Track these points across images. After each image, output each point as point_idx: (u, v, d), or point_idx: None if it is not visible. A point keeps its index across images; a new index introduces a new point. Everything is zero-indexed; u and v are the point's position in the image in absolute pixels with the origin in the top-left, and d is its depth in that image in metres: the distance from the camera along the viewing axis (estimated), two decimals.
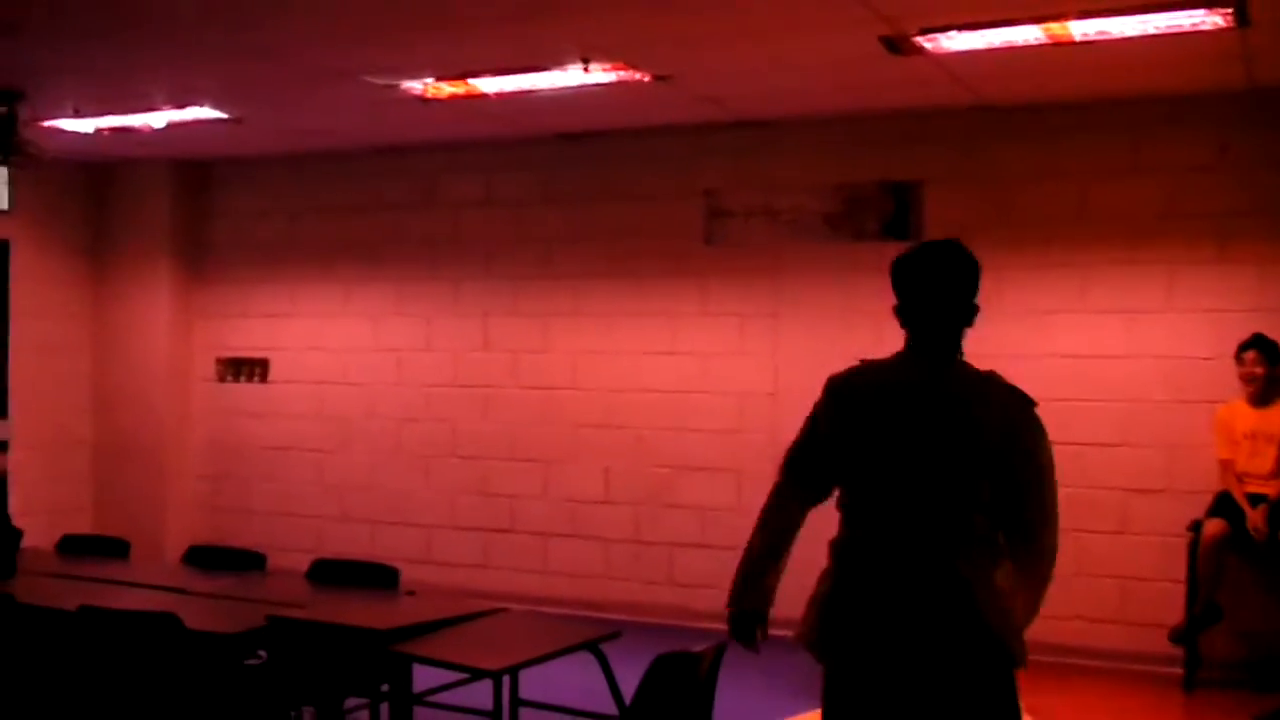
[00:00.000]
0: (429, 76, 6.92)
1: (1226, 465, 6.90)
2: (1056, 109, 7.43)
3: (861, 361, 3.40)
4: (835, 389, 3.40)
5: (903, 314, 3.32)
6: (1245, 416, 6.90)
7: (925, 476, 3.20)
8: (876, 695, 3.19)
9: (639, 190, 8.62)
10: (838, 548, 3.37)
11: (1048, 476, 3.26)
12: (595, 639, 4.52)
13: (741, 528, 8.50)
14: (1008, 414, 3.24)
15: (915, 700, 3.15)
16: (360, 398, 9.58)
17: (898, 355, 3.34)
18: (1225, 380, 7.00)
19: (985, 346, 7.86)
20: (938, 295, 3.30)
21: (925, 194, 7.83)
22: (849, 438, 3.31)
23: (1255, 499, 6.75)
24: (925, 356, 3.29)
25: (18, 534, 5.73)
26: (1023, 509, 3.23)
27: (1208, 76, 6.79)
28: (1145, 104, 7.26)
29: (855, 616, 3.22)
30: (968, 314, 3.34)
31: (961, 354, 3.33)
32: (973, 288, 3.38)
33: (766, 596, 3.55)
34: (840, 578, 3.30)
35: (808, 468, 3.43)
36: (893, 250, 8.20)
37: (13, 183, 9.63)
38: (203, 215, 10.21)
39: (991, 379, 3.31)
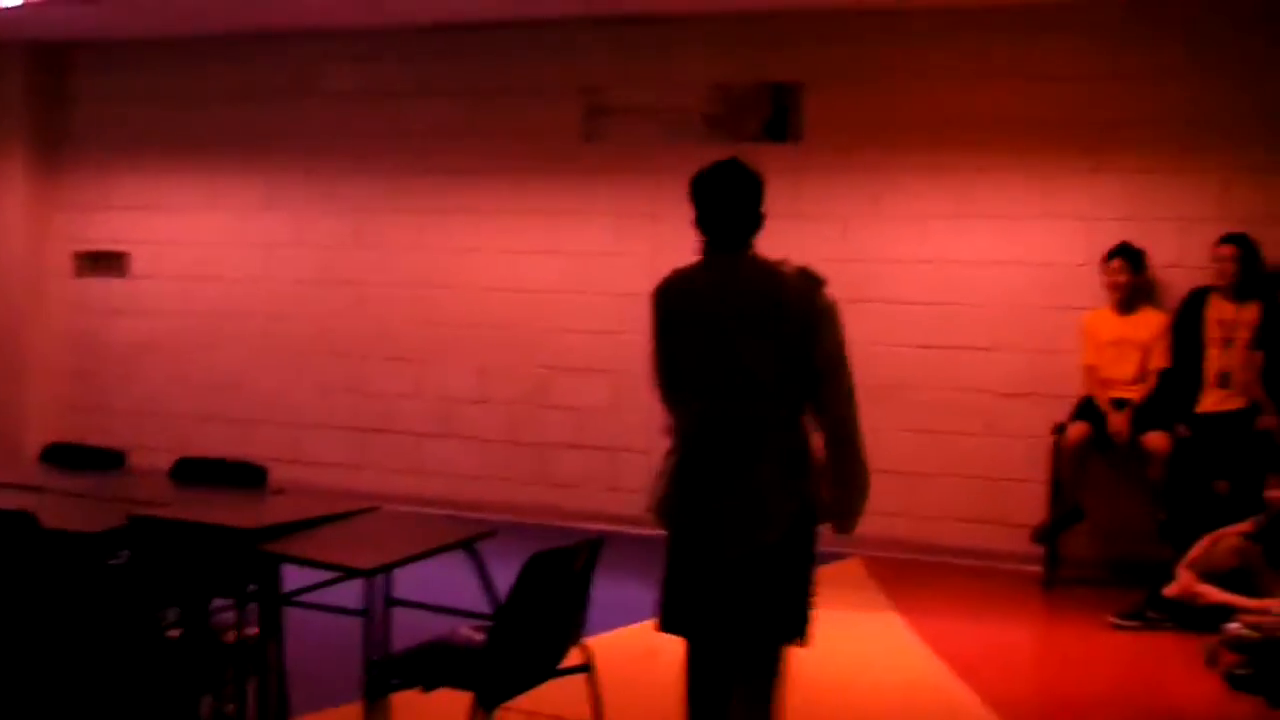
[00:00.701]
0: None
1: (1091, 370, 7.06)
2: (941, 12, 7.42)
3: (674, 270, 3.81)
4: (656, 297, 3.82)
5: (700, 224, 3.77)
6: (1111, 323, 7.05)
7: (732, 366, 3.63)
8: (699, 559, 3.69)
9: (518, 85, 8.43)
10: (675, 427, 3.78)
11: (841, 348, 3.65)
12: (469, 538, 4.46)
13: (617, 428, 8.58)
14: (802, 295, 3.63)
15: (727, 566, 3.65)
16: (227, 294, 9.31)
17: (699, 260, 3.78)
18: (1094, 287, 7.14)
19: (862, 249, 7.95)
20: (726, 206, 3.75)
21: (805, 96, 7.79)
22: (670, 337, 3.76)
23: (1118, 403, 6.92)
24: (721, 258, 3.73)
25: None
26: (827, 381, 3.63)
27: None
28: (1032, 10, 7.27)
29: (683, 490, 3.70)
30: (754, 221, 3.75)
31: (753, 251, 3.74)
32: (757, 198, 3.77)
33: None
34: (676, 456, 3.73)
35: (657, 359, 3.81)
36: (773, 151, 8.24)
37: None
38: (61, 101, 9.75)
39: (782, 267, 3.69)
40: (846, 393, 3.65)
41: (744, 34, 7.85)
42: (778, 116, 7.85)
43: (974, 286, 7.49)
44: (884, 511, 7.69)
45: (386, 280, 8.84)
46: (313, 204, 9.01)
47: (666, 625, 3.82)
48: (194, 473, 5.40)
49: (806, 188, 7.74)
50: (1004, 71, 7.40)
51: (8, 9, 7.94)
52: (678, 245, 8.11)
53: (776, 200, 7.54)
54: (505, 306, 8.52)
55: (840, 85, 7.72)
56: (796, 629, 3.69)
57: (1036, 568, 7.16)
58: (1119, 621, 6.34)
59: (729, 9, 7.66)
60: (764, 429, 3.63)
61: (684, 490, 3.70)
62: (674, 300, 3.77)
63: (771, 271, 3.68)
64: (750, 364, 3.62)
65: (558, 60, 8.31)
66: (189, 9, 8.21)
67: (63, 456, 5.72)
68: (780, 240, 6.98)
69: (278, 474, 6.14)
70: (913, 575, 7.25)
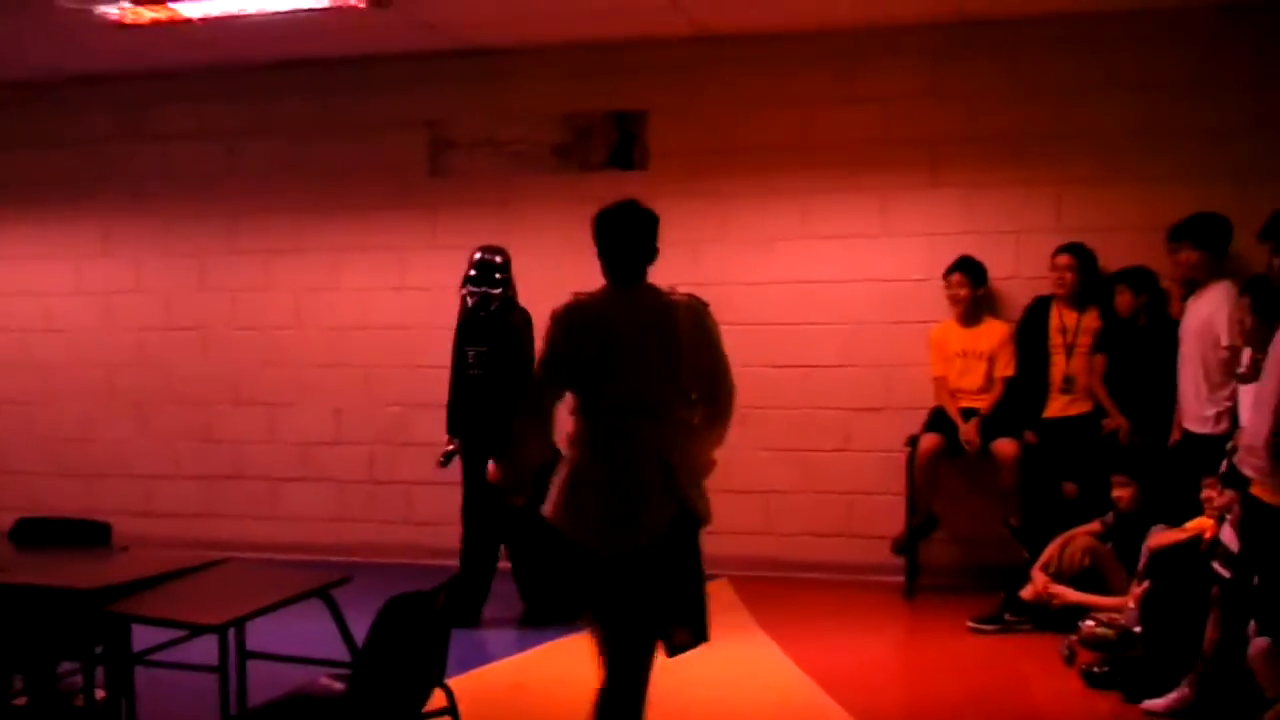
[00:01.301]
0: (126, 0, 6.49)
1: (940, 382, 7.21)
2: (775, 39, 7.54)
3: (574, 295, 4.19)
4: (560, 317, 4.16)
5: (603, 258, 4.19)
6: (956, 335, 7.22)
7: (637, 378, 4.05)
8: (599, 558, 3.99)
9: (360, 121, 8.33)
10: (574, 438, 4.12)
11: (724, 356, 4.17)
12: (324, 585, 4.36)
13: None
14: (691, 317, 4.13)
15: (628, 558, 3.96)
16: (66, 345, 9.00)
17: (602, 289, 4.19)
18: (939, 301, 7.30)
19: (713, 273, 8.02)
20: (625, 243, 4.19)
21: (650, 124, 7.85)
22: (577, 353, 4.10)
23: (967, 413, 7.08)
24: (622, 287, 4.17)
25: None
26: (713, 382, 4.14)
27: (922, 7, 6.99)
28: (861, 34, 7.43)
29: (586, 492, 4.02)
30: (650, 255, 4.23)
31: (647, 280, 4.21)
32: (652, 235, 4.25)
33: (524, 470, 4.42)
34: (577, 462, 4.07)
35: (553, 375, 4.16)
36: (620, 179, 8.28)
37: None
38: None
39: (673, 294, 4.19)
40: (729, 390, 4.16)
41: (588, 63, 7.88)
42: (624, 145, 7.89)
43: (822, 305, 7.61)
44: (747, 531, 7.82)
45: (232, 323, 8.64)
46: (150, 248, 8.77)
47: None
48: (35, 533, 5.21)
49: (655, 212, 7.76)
50: (838, 94, 7.54)
51: None
52: (531, 275, 8.15)
53: None
54: (357, 345, 8.39)
55: (683, 112, 7.79)
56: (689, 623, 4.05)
57: (897, 578, 7.29)
58: (978, 626, 6.46)
59: (571, 39, 7.68)
60: (654, 439, 4.02)
61: (579, 495, 4.03)
62: (578, 323, 4.12)
63: (665, 299, 4.15)
64: (645, 382, 4.05)
65: (401, 95, 8.23)
66: (10, 56, 7.94)
67: None
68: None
69: (128, 527, 5.96)
70: (778, 593, 7.31)
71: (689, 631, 4.03)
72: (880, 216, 7.54)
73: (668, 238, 7.64)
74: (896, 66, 7.47)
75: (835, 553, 7.61)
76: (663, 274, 7.40)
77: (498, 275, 6.70)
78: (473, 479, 6.72)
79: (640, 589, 3.94)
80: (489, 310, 6.67)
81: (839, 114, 7.56)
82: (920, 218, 7.48)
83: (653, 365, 4.04)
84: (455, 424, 6.81)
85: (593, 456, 4.03)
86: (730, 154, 7.70)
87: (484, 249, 6.77)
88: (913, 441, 7.18)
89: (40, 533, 5.18)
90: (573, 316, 4.13)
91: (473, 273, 6.72)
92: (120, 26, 6.95)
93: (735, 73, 7.70)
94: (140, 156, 8.77)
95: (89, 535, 5.10)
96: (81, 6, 6.54)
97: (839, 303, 7.59)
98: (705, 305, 4.22)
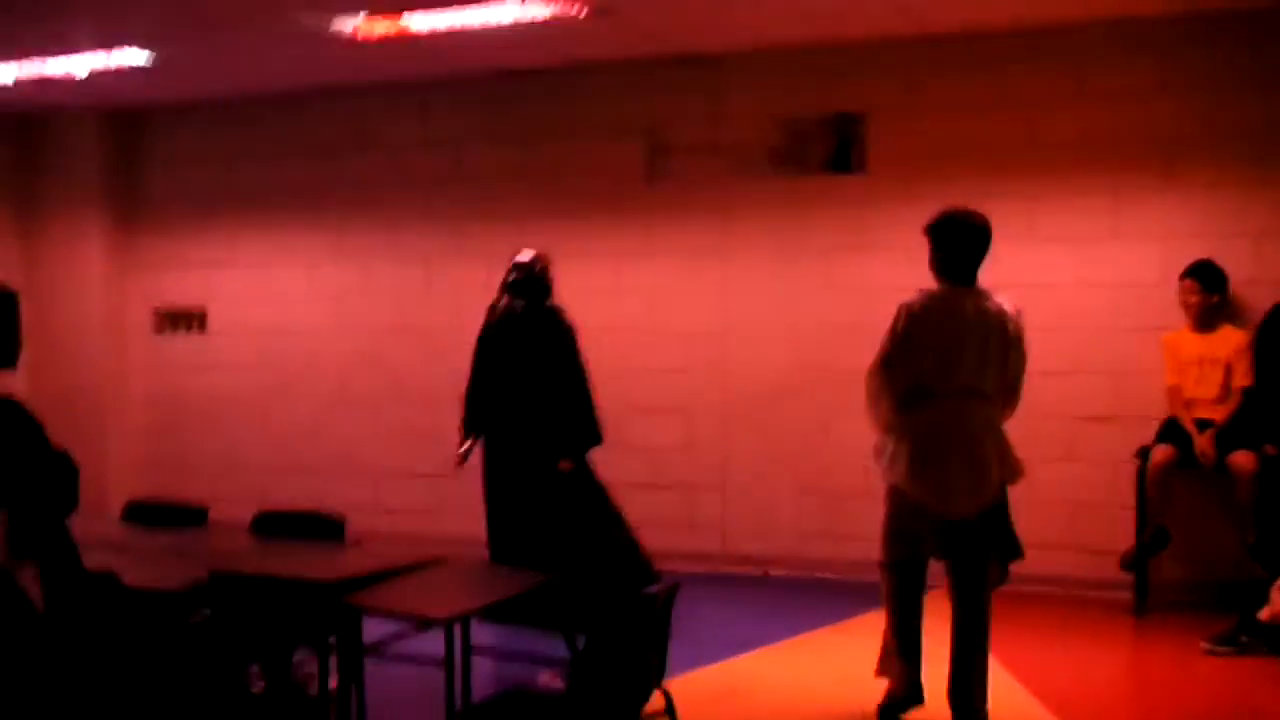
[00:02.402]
0: (359, 14, 6.74)
1: (1174, 391, 6.92)
2: (1000, 38, 7.36)
3: (921, 292, 4.92)
4: (916, 311, 4.86)
5: (942, 259, 4.90)
6: (1191, 343, 6.92)
7: (977, 366, 4.84)
8: (929, 515, 4.93)
9: (580, 128, 8.47)
10: (913, 418, 4.88)
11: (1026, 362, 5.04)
12: (545, 584, 4.45)
13: (690, 467, 8.53)
14: (1017, 321, 4.96)
15: (955, 520, 4.91)
16: (301, 346, 9.42)
17: (943, 288, 4.93)
18: (1174, 306, 7.00)
19: (931, 279, 7.85)
20: (967, 247, 4.91)
21: (869, 126, 7.75)
22: (929, 341, 4.83)
23: (1202, 424, 6.77)
24: (957, 289, 4.91)
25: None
26: (1015, 382, 4.99)
27: (1151, 1, 6.73)
28: (1089, 30, 7.19)
29: (935, 464, 4.86)
30: (981, 260, 4.98)
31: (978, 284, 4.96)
32: (988, 241, 5.00)
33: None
34: (922, 438, 4.86)
35: (903, 359, 4.85)
36: (838, 183, 8.21)
37: None
38: (135, 164, 9.96)
39: (995, 298, 4.96)
40: (1020, 392, 5.03)
41: (805, 66, 7.84)
42: (842, 148, 7.82)
43: (1049, 310, 7.37)
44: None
45: (456, 325, 8.87)
46: (380, 252, 9.11)
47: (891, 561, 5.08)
48: (274, 526, 5.44)
49: (872, 218, 7.70)
50: (1066, 93, 7.32)
51: (81, 79, 8.13)
52: (747, 280, 8.14)
53: (844, 231, 7.58)
54: None
55: (903, 114, 7.67)
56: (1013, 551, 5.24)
57: (1125, 594, 7.02)
58: (1212, 647, 6.18)
59: (787, 43, 7.65)
60: (987, 418, 4.88)
61: (920, 464, 4.84)
62: (931, 316, 4.86)
63: (995, 302, 4.90)
64: (983, 370, 4.85)
65: (619, 102, 8.34)
66: (251, 70, 8.36)
67: (144, 514, 5.80)
68: (849, 269, 6.95)
69: (357, 523, 6.17)
70: (999, 604, 7.10)
71: (1010, 560, 5.20)
72: (1111, 218, 7.28)
73: (885, 241, 7.63)
74: (1127, 62, 7.20)
75: (1059, 566, 7.36)
76: (882, 276, 7.35)
77: (532, 282, 6.77)
78: (495, 476, 6.78)
79: (982, 539, 4.91)
80: (520, 314, 6.75)
81: (1066, 112, 7.34)
82: (1154, 219, 7.20)
83: (989, 357, 4.83)
84: (474, 422, 6.88)
85: (939, 433, 4.82)
86: (952, 156, 7.55)
87: (522, 259, 6.84)
88: (1144, 453, 6.90)
89: (279, 526, 5.41)
90: (927, 311, 4.84)
91: (514, 278, 6.80)
92: (354, 41, 7.22)
93: (957, 73, 7.54)
94: (370, 165, 9.12)
95: (325, 529, 5.30)
96: (319, 23, 6.83)
97: (1066, 307, 7.35)
98: (1018, 312, 5.00)
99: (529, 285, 6.82)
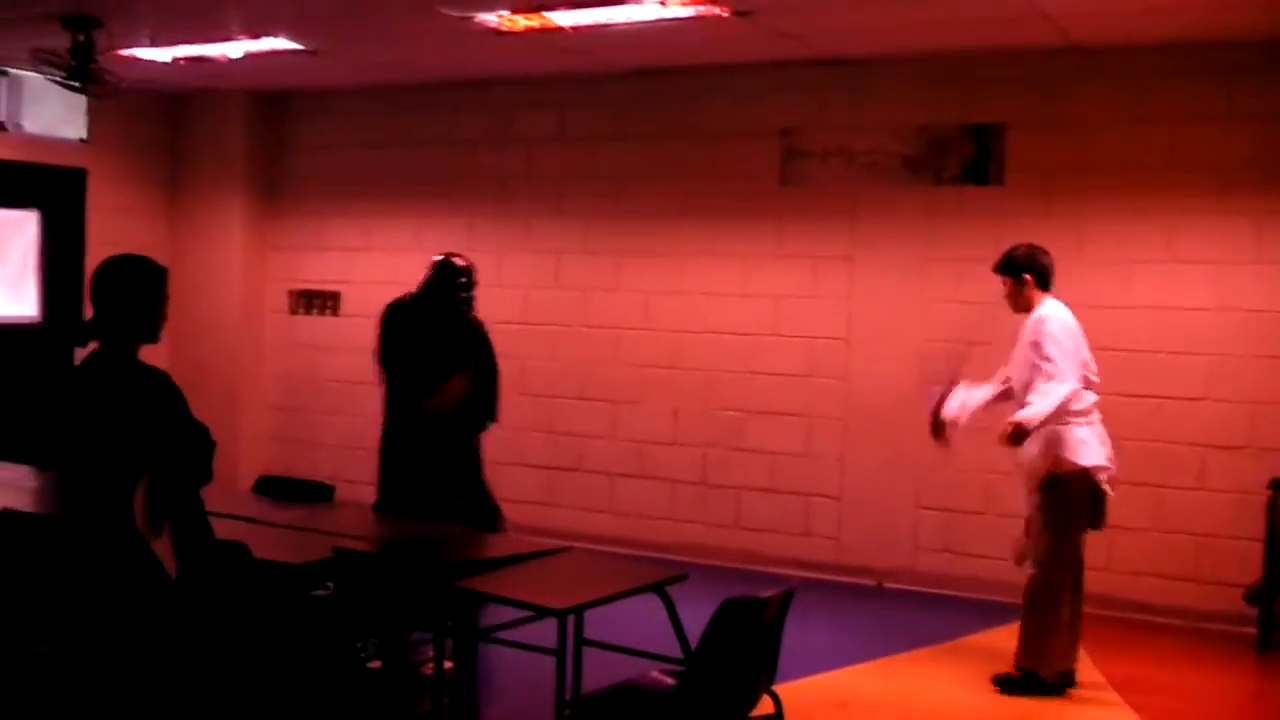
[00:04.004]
0: (504, 9, 6.84)
1: None
2: (1145, 51, 7.20)
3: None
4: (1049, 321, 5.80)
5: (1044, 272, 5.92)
6: None
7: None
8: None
9: (714, 128, 8.48)
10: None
11: None
12: (661, 580, 4.48)
13: (809, 473, 8.51)
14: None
15: None
16: None
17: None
18: None
19: (1067, 295, 7.73)
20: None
21: (1008, 137, 7.64)
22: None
23: None
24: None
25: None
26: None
27: None
28: (1238, 48, 6.99)
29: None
30: None
31: None
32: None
33: None
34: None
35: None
36: (973, 194, 8.11)
37: (90, 113, 9.70)
38: (278, 147, 10.22)
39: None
40: None
41: (943, 75, 7.75)
42: (979, 159, 7.72)
43: (1184, 334, 7.21)
44: (1087, 565, 7.49)
45: (582, 321, 8.97)
46: (511, 245, 9.21)
47: None
48: (394, 507, 5.55)
49: (1008, 231, 7.54)
50: (1211, 111, 7.13)
51: (231, 60, 8.36)
52: (874, 289, 8.09)
53: (979, 244, 7.51)
54: (699, 348, 8.55)
55: (1042, 126, 7.54)
56: None
57: (1249, 629, 6.82)
58: None
59: (927, 50, 7.58)
60: None
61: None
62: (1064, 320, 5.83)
63: None
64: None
65: (755, 103, 8.34)
66: (396, 61, 8.53)
67: (273, 489, 5.95)
68: (980, 282, 6.87)
69: None
70: (1116, 635, 6.98)
71: None
72: (1254, 242, 7.08)
73: None
74: (1275, 82, 6.99)
75: (1181, 597, 7.19)
76: None
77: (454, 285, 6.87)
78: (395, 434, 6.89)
79: None
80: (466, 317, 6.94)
81: (1210, 132, 7.15)
82: None
83: None
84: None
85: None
86: (1091, 171, 7.41)
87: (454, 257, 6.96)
88: (1276, 484, 6.71)
89: (400, 507, 5.52)
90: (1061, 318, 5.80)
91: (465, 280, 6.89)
92: (496, 33, 7.32)
93: (1099, 86, 7.39)
94: (505, 158, 9.23)
95: (443, 513, 5.39)
96: (464, 14, 6.94)
97: (1202, 332, 7.17)
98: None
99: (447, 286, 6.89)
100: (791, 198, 8.26)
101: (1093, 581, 7.26)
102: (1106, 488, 5.81)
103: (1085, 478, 5.73)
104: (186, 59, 8.45)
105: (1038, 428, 5.65)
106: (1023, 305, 5.92)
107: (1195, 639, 6.93)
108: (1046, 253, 6.02)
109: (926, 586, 7.75)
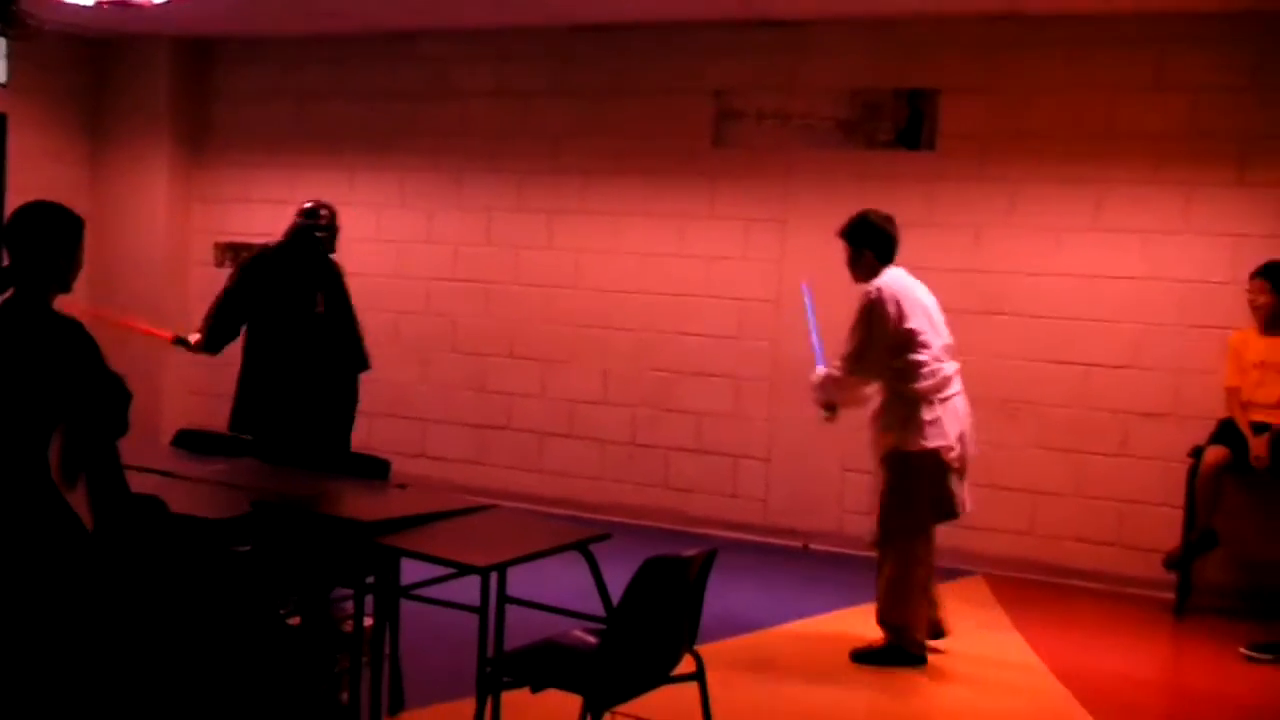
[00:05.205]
0: None
1: (1233, 393, 6.80)
2: (1082, 21, 7.23)
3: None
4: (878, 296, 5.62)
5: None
6: (1255, 345, 6.79)
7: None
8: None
9: (650, 86, 8.42)
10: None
11: None
12: (585, 539, 4.45)
13: (737, 434, 8.51)
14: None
15: None
16: (359, 288, 9.39)
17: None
18: (1241, 306, 6.88)
19: (995, 260, 7.81)
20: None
21: (942, 103, 7.65)
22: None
23: (1259, 428, 6.66)
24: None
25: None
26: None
27: None
28: (1173, 19, 7.05)
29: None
30: None
31: None
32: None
33: None
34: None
35: None
36: (906, 159, 8.12)
37: (11, 56, 9.39)
38: (205, 95, 10.01)
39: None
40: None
41: (879, 40, 7.74)
42: (913, 123, 7.72)
43: (1111, 302, 7.28)
44: (1008, 529, 7.60)
45: (513, 279, 8.89)
46: (443, 201, 9.11)
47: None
48: (320, 463, 5.48)
49: (940, 196, 7.61)
50: (1145, 82, 7.18)
51: (156, 4, 8.16)
52: (805, 251, 8.07)
53: (910, 208, 7.50)
54: (630, 308, 8.51)
55: (977, 93, 7.56)
56: None
57: (1168, 594, 6.93)
58: (1252, 653, 6.10)
59: (864, 14, 7.55)
60: None
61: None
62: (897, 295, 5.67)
63: None
64: None
65: (690, 63, 8.28)
66: (327, 7, 8.36)
67: (192, 442, 5.85)
68: (914, 248, 6.87)
69: (402, 466, 6.21)
70: (1036, 597, 7.07)
71: None
72: (1182, 213, 7.15)
73: (951, 220, 7.55)
74: (1209, 56, 7.05)
75: (1102, 561, 7.30)
76: (944, 257, 7.28)
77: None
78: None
79: None
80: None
81: (1143, 103, 7.21)
82: (1227, 217, 7.06)
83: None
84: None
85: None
86: (1025, 138, 7.44)
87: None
88: (1197, 453, 6.80)
89: (325, 463, 5.45)
90: (890, 291, 5.67)
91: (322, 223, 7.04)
92: None
93: (1035, 54, 7.42)
94: (440, 113, 9.11)
95: (370, 469, 5.33)
96: None
97: (1129, 301, 7.25)
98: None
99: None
100: (725, 159, 8.23)
101: (1010, 544, 7.38)
102: (956, 466, 5.67)
103: (929, 457, 5.62)
104: (110, 2, 8.21)
105: (816, 395, 6.05)
106: (861, 275, 5.88)
107: (1113, 602, 7.04)
108: (892, 220, 5.89)
109: (852, 548, 7.78)
